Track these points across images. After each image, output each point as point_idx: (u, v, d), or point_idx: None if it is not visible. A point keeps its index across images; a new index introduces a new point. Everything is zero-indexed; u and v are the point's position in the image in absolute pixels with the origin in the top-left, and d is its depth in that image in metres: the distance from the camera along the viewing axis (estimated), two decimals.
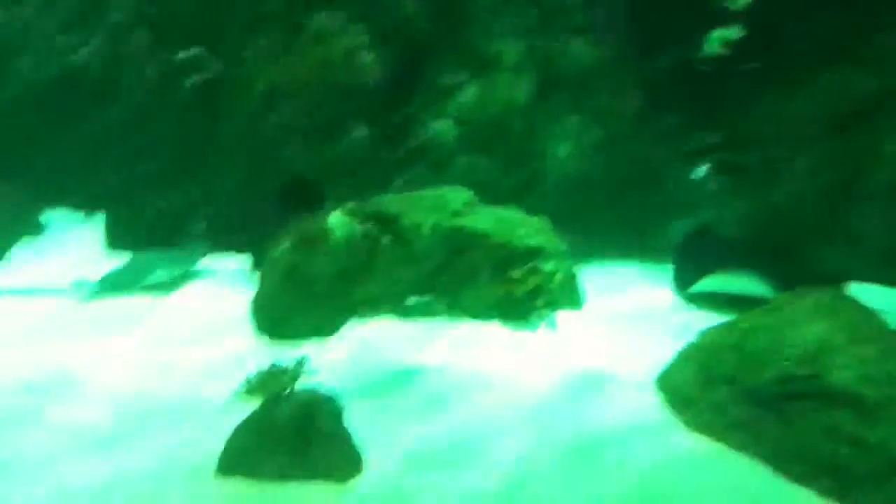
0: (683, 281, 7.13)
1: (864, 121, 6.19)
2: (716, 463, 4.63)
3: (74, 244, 9.48)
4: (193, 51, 6.47)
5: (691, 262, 7.13)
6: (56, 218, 10.19)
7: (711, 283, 6.89)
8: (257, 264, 8.01)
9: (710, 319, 5.93)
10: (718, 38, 7.35)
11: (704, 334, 5.28)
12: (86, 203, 10.16)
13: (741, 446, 4.65)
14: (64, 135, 10.06)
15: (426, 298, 6.71)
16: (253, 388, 4.89)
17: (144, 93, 8.76)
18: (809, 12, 6.70)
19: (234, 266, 8.55)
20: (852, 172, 6.15)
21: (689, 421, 4.97)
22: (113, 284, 7.81)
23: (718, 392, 4.82)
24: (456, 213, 6.74)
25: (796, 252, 6.54)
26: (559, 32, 7.52)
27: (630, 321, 6.66)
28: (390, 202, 6.86)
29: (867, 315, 4.65)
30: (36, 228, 9.75)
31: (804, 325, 4.58)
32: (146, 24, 8.84)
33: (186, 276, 8.13)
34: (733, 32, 7.28)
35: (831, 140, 6.37)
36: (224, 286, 8.02)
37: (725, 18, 7.20)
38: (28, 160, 10.19)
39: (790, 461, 4.35)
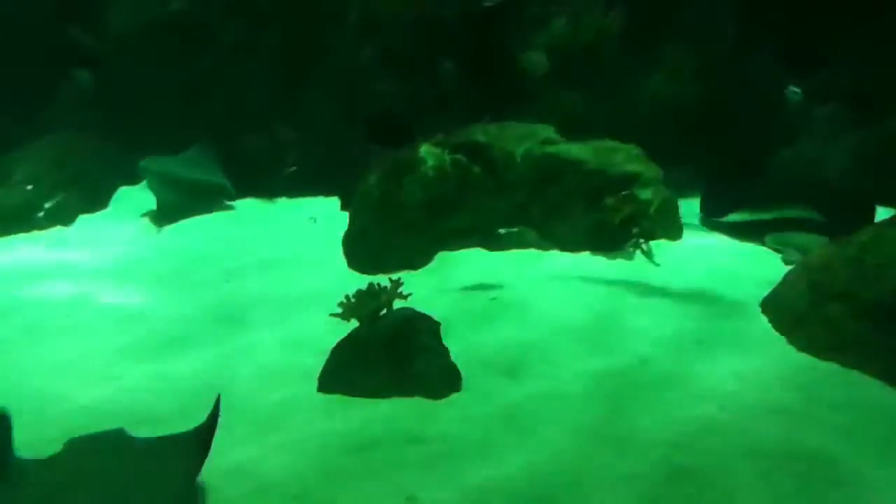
0: (714, 209, 6.87)
1: None
2: (829, 380, 4.43)
3: None
4: None
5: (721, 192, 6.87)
6: None
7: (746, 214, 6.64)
8: (346, 205, 8.08)
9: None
10: None
11: (814, 252, 5.03)
12: (179, 152, 10.42)
13: (854, 363, 4.43)
14: (159, 83, 10.31)
15: (517, 228, 6.62)
16: (350, 308, 4.93)
17: (234, 36, 8.85)
18: None
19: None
20: None
21: (798, 340, 4.77)
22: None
23: (831, 309, 4.60)
24: (548, 142, 6.60)
25: None
26: None
27: (732, 250, 6.43)
28: (480, 132, 6.77)
29: None
30: (134, 177, 10.06)
31: None
32: None
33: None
34: None
35: None
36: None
37: None
38: (125, 110, 10.50)
39: None
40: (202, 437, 3.50)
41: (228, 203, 8.92)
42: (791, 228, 6.34)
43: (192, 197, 8.59)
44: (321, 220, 8.11)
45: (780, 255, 6.19)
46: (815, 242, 5.86)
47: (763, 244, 6.50)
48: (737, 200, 6.73)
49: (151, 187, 8.76)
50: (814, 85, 7.28)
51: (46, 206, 8.51)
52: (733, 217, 6.68)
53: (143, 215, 8.79)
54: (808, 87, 7.29)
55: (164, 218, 8.46)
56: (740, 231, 6.76)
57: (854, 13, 6.86)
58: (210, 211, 8.71)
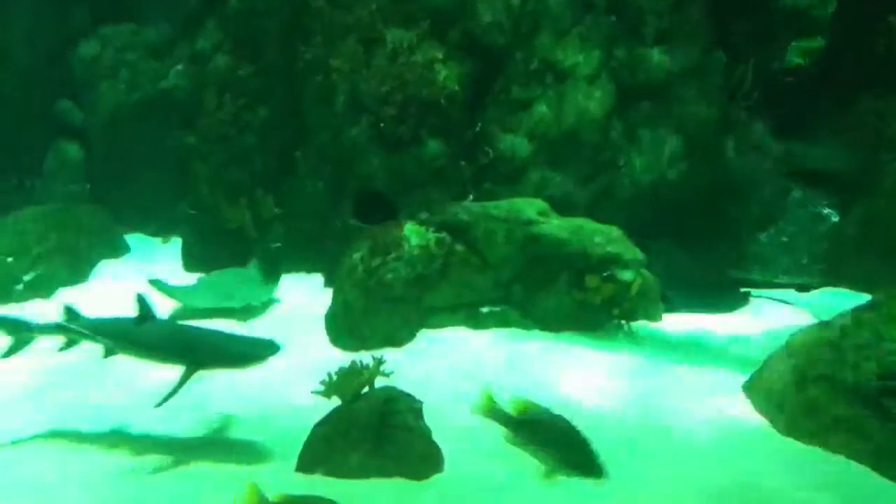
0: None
1: None
2: (815, 466, 4.42)
3: (153, 265, 9.72)
4: None
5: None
6: (136, 241, 10.50)
7: None
8: (329, 281, 8.09)
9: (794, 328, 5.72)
10: (799, 49, 7.27)
11: (795, 335, 5.07)
12: (166, 226, 10.48)
13: (840, 447, 4.43)
14: (147, 157, 10.46)
15: (500, 307, 6.65)
16: (332, 386, 4.90)
17: (224, 112, 9.02)
18: None
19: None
20: None
21: (782, 424, 4.77)
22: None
23: (814, 391, 4.61)
24: (530, 222, 6.69)
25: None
26: (638, 41, 7.48)
27: (712, 330, 6.48)
28: (463, 212, 6.86)
29: None
30: (117, 251, 10.05)
31: None
32: (229, 45, 9.17)
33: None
34: (815, 42, 7.20)
35: None
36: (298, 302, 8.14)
37: (809, 27, 7.14)
38: (113, 182, 10.61)
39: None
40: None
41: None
42: None
43: None
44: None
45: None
46: None
47: None
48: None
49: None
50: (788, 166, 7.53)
51: (26, 278, 8.43)
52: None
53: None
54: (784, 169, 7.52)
55: None
56: (717, 307, 6.85)
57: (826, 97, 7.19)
58: None
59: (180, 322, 6.03)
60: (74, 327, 5.19)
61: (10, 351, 5.36)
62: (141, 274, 9.26)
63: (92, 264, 9.43)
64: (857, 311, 4.76)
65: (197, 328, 5.34)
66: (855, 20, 7.19)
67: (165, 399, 4.72)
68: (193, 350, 4.83)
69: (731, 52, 7.69)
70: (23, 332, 5.38)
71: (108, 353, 5.14)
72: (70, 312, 5.27)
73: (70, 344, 5.35)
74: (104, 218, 10.00)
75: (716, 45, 7.64)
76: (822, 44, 7.16)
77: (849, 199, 7.08)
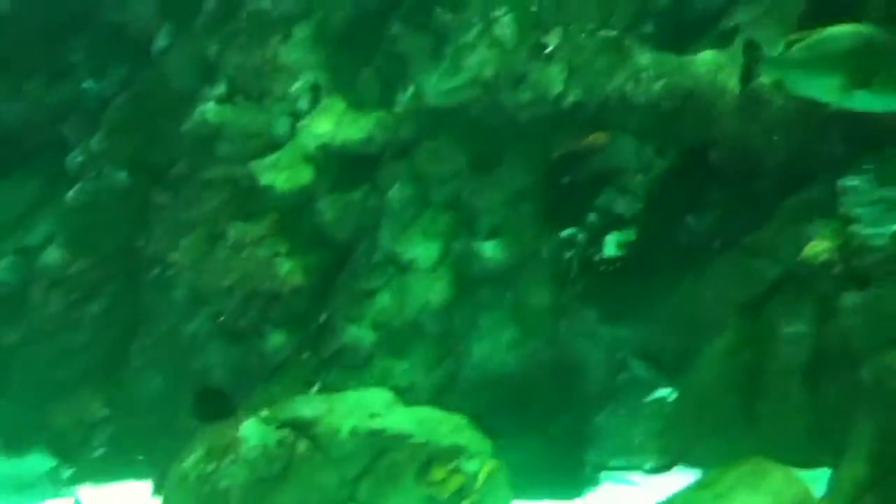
0: None
1: (765, 304, 6.68)
2: None
3: None
4: None
5: None
6: None
7: None
8: (159, 489, 7.51)
9: None
10: (615, 241, 7.98)
11: None
12: None
13: None
14: None
15: None
16: None
17: (54, 307, 8.59)
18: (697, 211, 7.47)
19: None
20: (760, 355, 6.50)
21: None
22: None
23: None
24: (375, 415, 6.61)
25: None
26: (474, 235, 7.89)
27: None
28: (306, 406, 6.71)
29: (794, 483, 4.66)
30: None
31: (732, 498, 4.53)
32: (61, 239, 8.89)
33: None
34: (629, 235, 7.94)
35: (741, 324, 6.79)
36: None
37: (620, 221, 7.90)
38: None
39: None
40: None
41: None
42: None
43: None
44: None
45: None
46: None
47: None
48: None
49: None
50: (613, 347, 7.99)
51: None
52: None
53: None
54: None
55: None
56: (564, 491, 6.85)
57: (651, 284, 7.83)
58: None
59: None
60: None
61: None
62: None
63: None
64: (688, 491, 4.92)
65: None
66: (661, 215, 8.02)
67: None
68: None
69: (558, 244, 8.28)
70: None
71: None
72: None
73: None
74: None
75: (545, 237, 8.22)
76: (634, 236, 7.90)
77: (677, 380, 7.51)
